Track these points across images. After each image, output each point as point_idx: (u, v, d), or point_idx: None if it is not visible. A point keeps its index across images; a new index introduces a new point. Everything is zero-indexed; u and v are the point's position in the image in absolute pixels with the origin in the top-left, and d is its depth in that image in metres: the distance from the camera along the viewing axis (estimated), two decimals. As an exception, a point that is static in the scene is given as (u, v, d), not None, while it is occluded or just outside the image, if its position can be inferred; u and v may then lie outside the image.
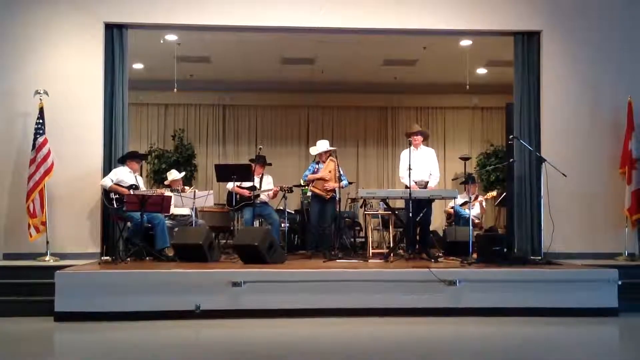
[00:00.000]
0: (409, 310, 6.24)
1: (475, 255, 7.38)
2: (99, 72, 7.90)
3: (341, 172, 8.35)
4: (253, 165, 8.55)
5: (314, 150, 8.67)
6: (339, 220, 8.85)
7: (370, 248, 8.50)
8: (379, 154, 13.16)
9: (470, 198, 8.69)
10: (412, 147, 7.99)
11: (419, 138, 8.18)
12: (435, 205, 8.32)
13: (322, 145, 8.60)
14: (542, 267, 6.75)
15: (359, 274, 6.42)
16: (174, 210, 8.41)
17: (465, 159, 8.51)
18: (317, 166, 8.46)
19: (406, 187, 7.76)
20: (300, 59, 10.89)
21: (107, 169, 7.87)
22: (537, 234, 7.94)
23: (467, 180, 9.16)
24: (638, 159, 7.95)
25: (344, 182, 8.45)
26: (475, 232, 8.16)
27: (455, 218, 9.29)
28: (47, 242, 7.42)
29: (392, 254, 7.64)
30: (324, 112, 13.16)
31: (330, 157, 8.49)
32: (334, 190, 8.32)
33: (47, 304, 6.10)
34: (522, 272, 6.54)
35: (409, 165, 7.62)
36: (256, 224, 8.72)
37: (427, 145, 8.59)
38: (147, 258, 7.51)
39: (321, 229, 8.37)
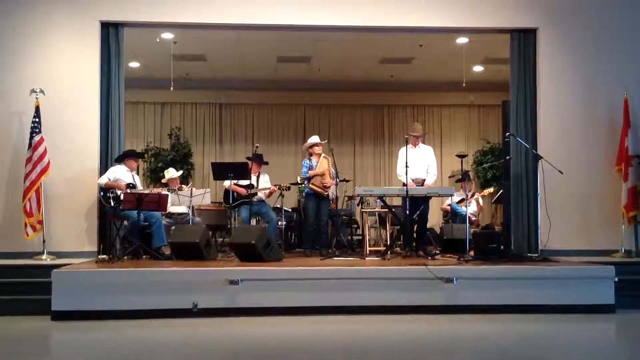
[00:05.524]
0: (405, 307, 6.24)
1: (472, 253, 7.39)
2: (95, 71, 7.88)
3: (333, 171, 8.39)
4: (250, 163, 8.55)
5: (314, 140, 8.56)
6: (335, 218, 8.85)
7: (367, 246, 8.52)
8: (376, 151, 13.19)
9: (466, 195, 8.69)
10: (409, 145, 8.00)
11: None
12: (432, 203, 8.31)
13: (315, 138, 8.57)
14: (539, 264, 6.76)
15: (356, 272, 6.43)
16: (170, 208, 8.41)
17: (461, 156, 8.50)
18: (310, 162, 8.43)
19: (403, 184, 7.78)
20: (297, 57, 10.88)
21: (103, 168, 7.85)
22: (534, 231, 7.94)
23: (463, 177, 9.17)
24: (634, 156, 7.97)
25: (336, 180, 8.46)
26: (472, 230, 8.17)
27: (452, 215, 9.30)
28: (44, 241, 7.40)
29: (389, 252, 7.66)
30: (320, 111, 13.17)
31: (324, 155, 8.48)
32: (329, 188, 8.33)
33: (43, 303, 6.08)
34: (519, 269, 6.55)
35: (406, 162, 7.64)
36: (253, 222, 8.72)
37: (424, 143, 8.60)
38: (144, 256, 7.49)
39: (318, 226, 8.36)
